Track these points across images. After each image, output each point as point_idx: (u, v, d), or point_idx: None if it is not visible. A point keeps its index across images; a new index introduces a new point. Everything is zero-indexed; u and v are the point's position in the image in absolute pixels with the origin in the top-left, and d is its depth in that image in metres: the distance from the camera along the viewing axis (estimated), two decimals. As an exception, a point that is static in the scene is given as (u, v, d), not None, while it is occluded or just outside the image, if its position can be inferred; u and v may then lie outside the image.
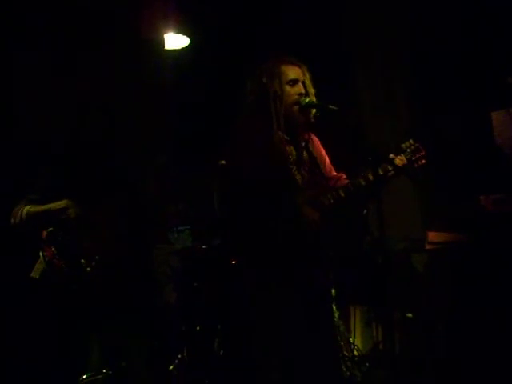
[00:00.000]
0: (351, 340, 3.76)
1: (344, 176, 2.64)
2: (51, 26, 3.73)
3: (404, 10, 4.41)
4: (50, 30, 3.72)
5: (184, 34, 4.42)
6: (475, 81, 3.91)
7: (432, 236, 3.16)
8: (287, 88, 2.50)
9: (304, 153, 2.57)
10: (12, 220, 2.78)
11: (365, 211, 3.81)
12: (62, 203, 2.76)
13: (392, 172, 2.45)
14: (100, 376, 2.48)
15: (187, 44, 4.51)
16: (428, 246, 3.18)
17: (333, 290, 3.70)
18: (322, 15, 4.50)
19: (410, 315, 3.56)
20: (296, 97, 2.50)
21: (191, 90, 4.65)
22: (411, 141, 2.51)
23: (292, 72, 2.53)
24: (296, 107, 2.49)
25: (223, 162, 2.78)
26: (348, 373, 3.54)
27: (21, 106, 3.70)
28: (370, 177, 2.43)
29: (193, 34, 4.47)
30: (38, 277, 2.67)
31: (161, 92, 4.34)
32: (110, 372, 2.49)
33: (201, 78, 4.65)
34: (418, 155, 2.49)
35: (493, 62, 3.83)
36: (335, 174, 2.65)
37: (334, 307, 3.66)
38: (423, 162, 2.49)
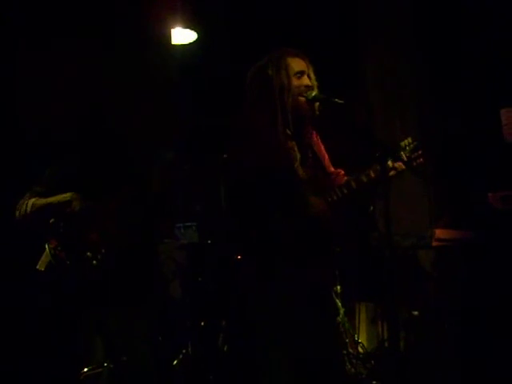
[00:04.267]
0: (356, 337, 3.75)
1: (342, 172, 2.62)
2: (57, 21, 3.73)
3: (416, 7, 4.38)
4: (55, 25, 3.72)
5: (191, 28, 4.41)
6: (485, 77, 3.87)
7: (439, 233, 3.14)
8: (294, 80, 2.49)
9: (307, 148, 2.55)
10: (17, 213, 2.78)
11: (371, 208, 3.79)
12: (66, 196, 2.75)
13: (393, 170, 2.44)
14: (101, 369, 2.48)
15: (194, 39, 4.49)
16: (435, 243, 3.16)
17: (338, 287, 3.70)
18: (332, 10, 4.47)
19: (415, 313, 3.54)
20: (303, 89, 2.48)
21: (198, 84, 4.64)
22: (409, 139, 2.49)
23: (298, 64, 2.51)
24: (302, 99, 2.47)
25: (226, 155, 2.78)
26: (353, 370, 3.52)
27: (27, 100, 3.71)
28: (372, 174, 2.41)
29: (200, 29, 4.46)
30: (43, 269, 2.67)
31: (167, 87, 4.33)
32: (112, 366, 2.48)
33: (208, 73, 4.64)
34: (416, 153, 2.47)
35: (503, 58, 3.79)
36: (333, 170, 2.64)
37: (340, 304, 3.65)
38: (421, 160, 2.47)
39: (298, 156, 2.52)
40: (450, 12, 4.09)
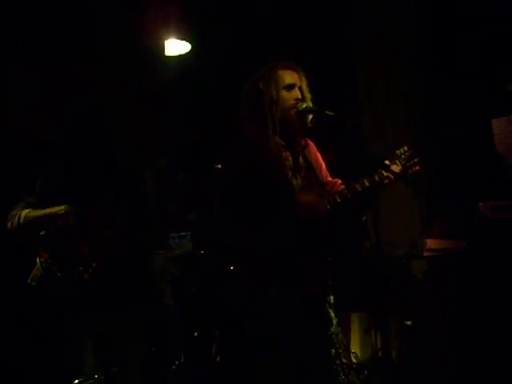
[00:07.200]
0: (350, 347, 3.74)
1: (340, 181, 2.64)
2: (52, 31, 3.74)
3: (407, 20, 4.42)
4: (50, 35, 3.74)
5: (185, 39, 4.43)
6: (476, 88, 3.90)
7: (430, 243, 3.15)
8: (284, 93, 2.51)
9: (300, 158, 2.57)
10: (9, 224, 2.77)
11: (364, 218, 3.80)
12: (61, 208, 2.74)
13: (387, 179, 2.45)
14: (92, 381, 2.49)
15: (188, 50, 4.52)
16: (426, 253, 3.17)
17: (331, 297, 3.70)
18: (326, 23, 4.50)
19: (408, 322, 3.54)
20: (292, 102, 2.50)
21: (192, 95, 4.66)
22: (405, 147, 2.52)
23: (289, 77, 2.53)
24: (293, 112, 2.50)
25: (219, 166, 2.81)
26: (346, 380, 3.51)
27: (20, 108, 3.72)
28: (366, 183, 2.43)
29: (194, 40, 4.48)
30: (34, 284, 2.66)
31: (161, 97, 4.35)
32: (102, 377, 2.49)
33: (202, 84, 4.66)
34: (412, 161, 2.50)
35: (493, 68, 3.83)
36: (331, 179, 2.65)
37: (333, 314, 3.65)
38: (417, 168, 2.50)
39: (292, 166, 2.55)
40: (447, 19, 4.13)
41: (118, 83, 3.74)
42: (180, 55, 4.53)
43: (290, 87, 2.52)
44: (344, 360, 3.58)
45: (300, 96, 2.52)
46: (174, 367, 3.49)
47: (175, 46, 4.46)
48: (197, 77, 4.66)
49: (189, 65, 4.56)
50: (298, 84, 2.54)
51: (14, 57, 3.71)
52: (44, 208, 2.76)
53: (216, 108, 4.47)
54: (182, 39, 4.42)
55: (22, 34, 3.72)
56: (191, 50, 4.51)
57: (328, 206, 2.46)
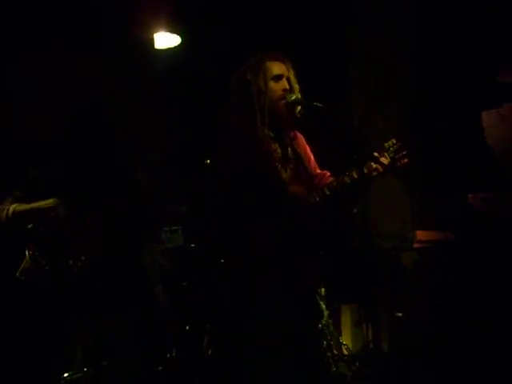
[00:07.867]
0: (341, 339, 3.76)
1: (328, 174, 2.63)
2: (51, 31, 3.73)
3: (400, 17, 4.42)
4: (49, 35, 3.72)
5: (175, 32, 4.41)
6: (465, 80, 3.91)
7: (420, 234, 3.17)
8: (271, 84, 2.49)
9: (289, 150, 2.56)
10: None
11: (355, 210, 3.81)
12: (49, 202, 2.73)
13: (376, 171, 2.45)
14: (80, 374, 2.49)
15: (178, 43, 4.50)
16: (416, 245, 3.18)
17: (322, 289, 3.72)
18: (319, 16, 4.50)
19: (399, 314, 3.56)
20: (281, 93, 2.49)
21: (182, 88, 4.65)
22: (394, 140, 2.52)
23: (276, 68, 2.52)
24: (281, 103, 2.49)
25: (208, 161, 2.81)
26: (337, 372, 3.53)
27: (20, 108, 3.70)
28: (355, 175, 2.43)
29: (184, 33, 4.47)
30: (23, 278, 2.66)
31: (152, 91, 4.34)
32: (91, 371, 2.49)
33: (192, 77, 4.65)
34: (400, 154, 2.50)
35: (482, 61, 3.84)
36: (320, 171, 2.65)
37: (324, 306, 3.66)
38: (406, 160, 2.50)
39: (281, 158, 2.54)
40: (445, 18, 4.14)
41: (109, 79, 3.73)
42: (169, 48, 4.52)
43: (278, 78, 2.50)
44: (335, 352, 3.61)
45: (288, 87, 2.50)
46: (165, 360, 3.49)
47: (164, 40, 4.44)
48: (187, 70, 4.65)
49: (178, 58, 4.55)
50: (286, 75, 2.53)
51: (14, 57, 3.70)
52: (32, 202, 2.76)
53: (211, 103, 4.44)
54: (171, 32, 4.40)
55: (22, 34, 3.70)
56: (181, 43, 4.50)
57: (317, 199, 2.46)
